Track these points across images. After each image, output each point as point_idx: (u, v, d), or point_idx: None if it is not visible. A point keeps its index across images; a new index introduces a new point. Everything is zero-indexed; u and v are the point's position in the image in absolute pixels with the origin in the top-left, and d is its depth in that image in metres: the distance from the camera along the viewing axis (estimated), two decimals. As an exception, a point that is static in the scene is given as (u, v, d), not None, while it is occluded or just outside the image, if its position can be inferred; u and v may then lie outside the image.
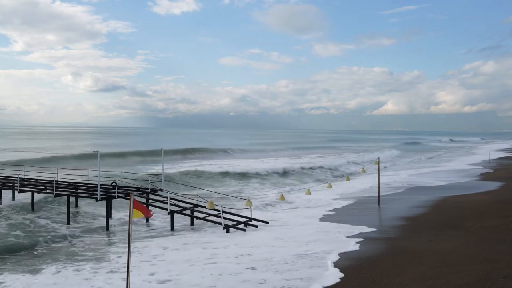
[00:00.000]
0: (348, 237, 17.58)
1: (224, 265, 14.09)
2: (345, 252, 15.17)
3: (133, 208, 9.93)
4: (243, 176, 41.89)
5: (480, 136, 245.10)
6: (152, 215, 10.77)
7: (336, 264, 13.76)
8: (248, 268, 13.55)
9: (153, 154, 60.58)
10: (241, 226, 19.95)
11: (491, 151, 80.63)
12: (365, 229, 19.02)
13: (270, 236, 18.40)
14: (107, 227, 21.28)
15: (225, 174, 42.24)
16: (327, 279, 12.35)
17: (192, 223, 21.53)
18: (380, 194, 27.56)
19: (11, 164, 35.20)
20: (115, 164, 47.51)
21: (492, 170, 47.73)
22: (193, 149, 78.54)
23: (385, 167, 54.04)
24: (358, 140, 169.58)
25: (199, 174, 42.07)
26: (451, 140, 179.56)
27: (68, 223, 22.20)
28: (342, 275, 12.67)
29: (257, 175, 42.73)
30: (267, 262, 14.21)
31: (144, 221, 22.40)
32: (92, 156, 51.08)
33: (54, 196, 23.36)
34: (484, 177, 40.88)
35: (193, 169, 44.62)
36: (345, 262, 13.94)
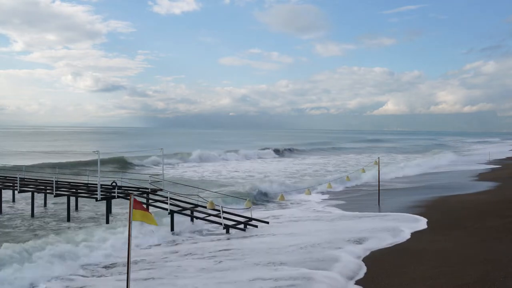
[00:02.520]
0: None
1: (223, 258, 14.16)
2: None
3: (142, 212, 9.91)
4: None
5: (500, 137, 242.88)
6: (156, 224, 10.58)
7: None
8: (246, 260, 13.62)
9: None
10: (241, 226, 19.98)
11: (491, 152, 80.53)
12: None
13: (268, 235, 18.46)
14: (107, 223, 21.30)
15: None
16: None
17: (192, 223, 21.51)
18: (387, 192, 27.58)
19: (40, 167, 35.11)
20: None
21: (491, 170, 47.74)
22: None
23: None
24: (381, 141, 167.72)
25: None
26: (478, 142, 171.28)
27: (68, 220, 22.28)
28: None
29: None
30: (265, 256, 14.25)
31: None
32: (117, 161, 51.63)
33: (54, 196, 23.37)
34: (485, 176, 40.88)
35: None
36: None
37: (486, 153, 76.51)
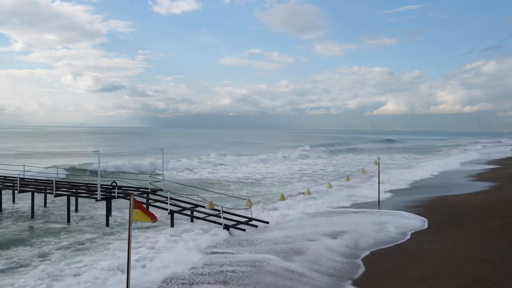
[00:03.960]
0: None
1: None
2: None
3: (140, 211, 9.92)
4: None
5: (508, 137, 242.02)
6: (156, 219, 10.58)
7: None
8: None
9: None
10: (241, 226, 19.96)
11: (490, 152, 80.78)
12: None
13: (265, 235, 18.46)
14: (107, 226, 21.27)
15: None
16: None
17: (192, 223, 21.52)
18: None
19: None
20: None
21: (490, 170, 47.70)
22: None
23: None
24: (393, 141, 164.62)
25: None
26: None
27: (68, 222, 22.25)
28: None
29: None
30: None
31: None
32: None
33: (54, 196, 23.36)
34: (485, 176, 40.84)
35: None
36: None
37: (486, 153, 76.68)
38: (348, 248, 15.75)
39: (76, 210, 25.52)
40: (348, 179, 33.78)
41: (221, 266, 13.39)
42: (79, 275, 13.27)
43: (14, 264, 14.85)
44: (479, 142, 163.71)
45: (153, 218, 10.37)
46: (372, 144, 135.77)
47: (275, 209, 25.23)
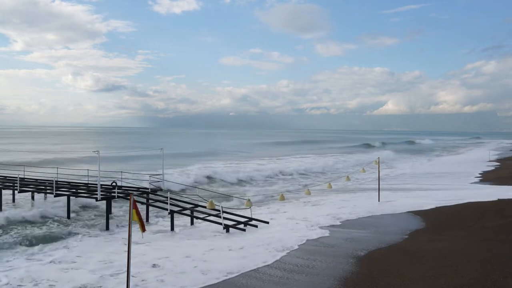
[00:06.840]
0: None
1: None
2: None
3: (134, 212, 9.87)
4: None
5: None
6: (145, 230, 10.41)
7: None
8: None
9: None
10: (241, 226, 19.97)
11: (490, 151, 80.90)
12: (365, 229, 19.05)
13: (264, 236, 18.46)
14: (107, 226, 21.24)
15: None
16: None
17: (192, 223, 21.54)
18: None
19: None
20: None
21: (491, 170, 47.70)
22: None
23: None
24: (412, 142, 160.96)
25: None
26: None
27: (68, 218, 22.26)
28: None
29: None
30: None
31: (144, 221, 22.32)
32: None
33: (54, 196, 23.35)
34: (485, 176, 40.84)
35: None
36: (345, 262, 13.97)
37: (486, 153, 76.76)
38: (346, 248, 15.76)
39: (76, 210, 25.51)
40: (348, 179, 33.81)
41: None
42: (78, 275, 13.28)
43: (13, 263, 14.84)
44: (500, 141, 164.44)
45: (144, 229, 10.21)
46: (402, 145, 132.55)
47: (275, 209, 25.25)
